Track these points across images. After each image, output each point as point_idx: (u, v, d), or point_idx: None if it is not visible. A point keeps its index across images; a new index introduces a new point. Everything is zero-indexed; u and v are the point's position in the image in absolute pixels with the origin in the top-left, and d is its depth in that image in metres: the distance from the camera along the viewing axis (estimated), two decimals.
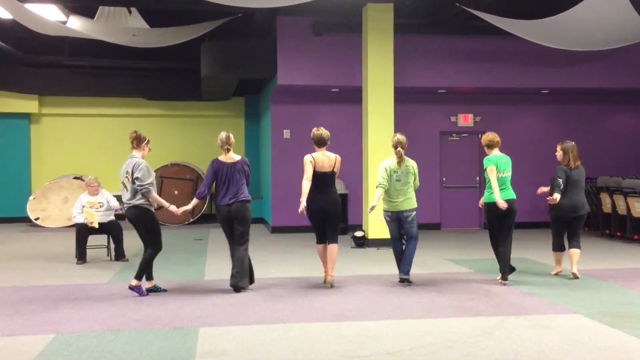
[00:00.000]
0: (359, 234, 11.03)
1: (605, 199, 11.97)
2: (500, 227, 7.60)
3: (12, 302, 6.79)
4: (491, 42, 12.57)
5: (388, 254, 9.08)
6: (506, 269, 7.58)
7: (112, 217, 9.65)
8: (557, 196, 7.80)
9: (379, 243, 10.62)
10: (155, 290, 7.21)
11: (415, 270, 8.29)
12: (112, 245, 9.66)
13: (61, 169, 15.74)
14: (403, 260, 7.58)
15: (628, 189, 11.45)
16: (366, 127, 11.21)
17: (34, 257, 9.99)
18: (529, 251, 10.09)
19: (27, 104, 15.46)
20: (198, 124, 16.29)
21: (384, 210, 7.62)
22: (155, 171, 7.25)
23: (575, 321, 5.90)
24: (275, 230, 13.11)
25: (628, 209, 11.23)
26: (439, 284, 7.69)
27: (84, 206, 9.45)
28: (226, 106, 16.24)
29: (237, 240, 7.18)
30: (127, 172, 6.99)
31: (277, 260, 9.59)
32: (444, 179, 13.89)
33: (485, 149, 7.77)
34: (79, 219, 9.41)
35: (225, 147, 7.21)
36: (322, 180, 7.37)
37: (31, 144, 15.87)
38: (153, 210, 7.13)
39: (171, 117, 16.25)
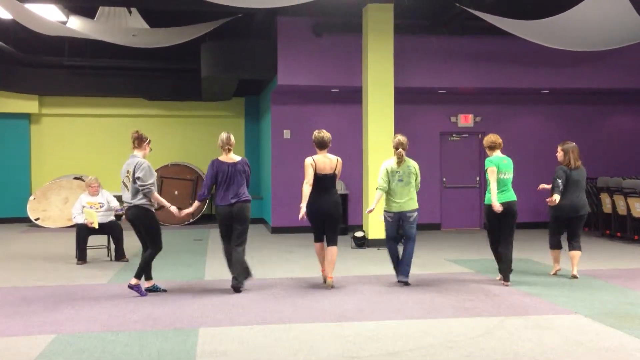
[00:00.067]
0: (359, 234, 11.03)
1: (606, 199, 11.97)
2: (501, 228, 7.60)
3: (12, 302, 6.79)
4: (491, 42, 12.57)
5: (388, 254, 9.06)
6: (508, 271, 7.58)
7: (112, 218, 9.65)
8: (556, 197, 7.81)
9: (379, 243, 10.62)
10: (154, 290, 7.21)
11: (416, 271, 8.29)
12: (112, 246, 9.65)
13: (61, 169, 15.74)
14: (402, 262, 7.58)
15: (628, 189, 11.45)
16: (366, 128, 11.21)
17: (34, 258, 9.99)
18: (530, 251, 10.09)
19: (27, 104, 15.46)
20: (198, 124, 16.29)
21: (386, 211, 7.60)
22: (155, 171, 7.23)
23: (576, 321, 5.90)
24: (275, 230, 13.11)
25: (628, 209, 11.23)
26: (439, 284, 7.69)
27: (84, 206, 9.45)
28: (226, 106, 16.24)
29: (235, 240, 7.18)
30: (128, 172, 6.99)
31: (277, 261, 9.59)
32: (444, 179, 13.89)
33: (487, 150, 7.77)
34: (79, 219, 9.41)
35: (226, 148, 7.22)
36: (322, 182, 7.37)
37: (31, 144, 15.87)
38: (154, 210, 7.14)
39: (171, 117, 16.25)
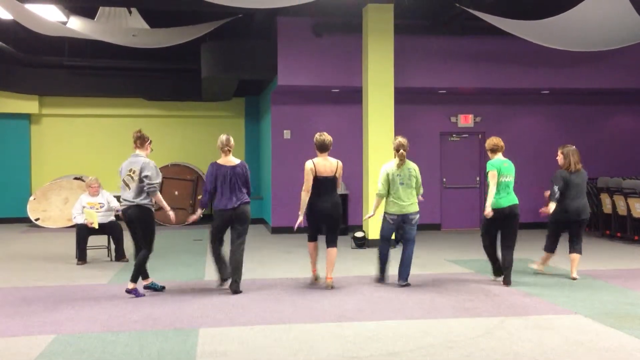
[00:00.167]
0: (359, 234, 11.03)
1: (606, 200, 11.97)
2: (503, 232, 7.60)
3: (12, 302, 6.79)
4: (491, 42, 12.57)
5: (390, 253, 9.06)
6: (509, 273, 7.58)
7: (113, 218, 9.65)
8: (551, 207, 7.84)
9: (379, 244, 10.61)
10: (152, 287, 7.22)
11: (416, 271, 8.29)
12: (113, 246, 9.66)
13: (61, 169, 15.75)
14: (402, 265, 7.59)
15: (628, 190, 11.46)
16: (366, 128, 11.21)
17: (34, 258, 9.99)
18: (530, 252, 10.08)
19: (27, 105, 15.46)
20: (198, 124, 16.29)
21: (387, 214, 7.58)
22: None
23: (576, 322, 5.90)
24: (275, 230, 13.11)
25: (628, 210, 11.23)
26: (439, 284, 7.69)
27: (84, 207, 9.46)
28: (226, 107, 16.25)
29: (235, 240, 7.19)
30: (131, 171, 6.97)
31: (277, 261, 9.59)
32: (444, 179, 13.89)
33: (489, 153, 7.77)
34: (79, 220, 9.41)
35: (226, 149, 7.22)
36: (323, 184, 7.38)
37: (31, 144, 15.88)
38: (154, 210, 7.14)
39: (171, 117, 16.25)
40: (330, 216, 7.42)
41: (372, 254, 10.24)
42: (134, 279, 7.01)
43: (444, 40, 12.47)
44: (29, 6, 10.00)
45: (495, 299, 6.85)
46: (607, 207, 11.99)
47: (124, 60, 14.57)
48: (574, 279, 7.91)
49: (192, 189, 14.74)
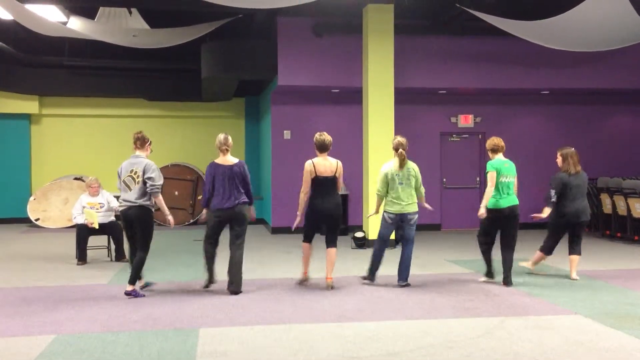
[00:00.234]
0: (359, 234, 11.04)
1: (606, 200, 11.97)
2: (503, 233, 7.61)
3: (13, 302, 6.79)
4: (491, 42, 12.57)
5: (388, 254, 9.06)
6: (509, 273, 7.58)
7: (113, 218, 9.64)
8: (545, 211, 7.86)
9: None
10: (147, 286, 7.26)
11: (416, 271, 8.30)
12: (113, 246, 9.66)
13: (61, 169, 15.75)
14: (401, 266, 7.59)
15: (628, 190, 11.46)
16: (366, 128, 11.21)
17: (34, 258, 9.99)
18: (529, 252, 10.05)
19: (27, 105, 15.46)
20: (198, 124, 16.29)
21: (387, 212, 7.58)
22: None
23: (576, 322, 5.90)
24: (275, 231, 13.11)
25: (628, 210, 11.23)
26: (439, 284, 7.69)
27: (84, 207, 9.46)
28: (226, 107, 16.24)
29: (234, 240, 7.18)
30: (133, 172, 6.97)
31: (277, 261, 9.59)
32: (445, 179, 13.89)
33: (490, 153, 7.77)
34: (79, 220, 9.41)
35: (224, 148, 7.22)
36: (323, 184, 7.39)
37: (31, 144, 15.87)
38: (154, 211, 7.15)
39: (171, 117, 16.25)
40: (330, 216, 7.42)
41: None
42: (132, 281, 7.02)
43: (444, 40, 12.47)
44: (29, 6, 10.00)
45: (495, 299, 6.85)
46: (607, 208, 11.99)
47: (124, 61, 14.58)
48: (574, 279, 7.91)
49: (192, 189, 14.74)
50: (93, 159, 15.78)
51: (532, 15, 10.44)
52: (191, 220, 14.67)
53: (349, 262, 9.35)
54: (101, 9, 11.83)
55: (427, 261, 9.44)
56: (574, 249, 8.01)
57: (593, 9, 9.33)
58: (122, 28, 12.09)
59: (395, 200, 7.48)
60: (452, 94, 13.57)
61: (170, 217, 7.14)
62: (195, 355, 4.92)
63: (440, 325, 5.80)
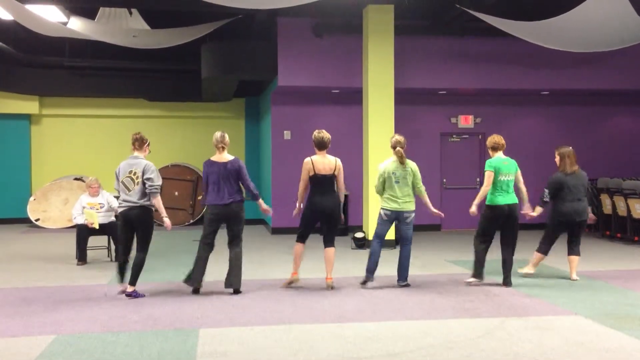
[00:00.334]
0: (359, 235, 11.04)
1: (606, 200, 11.97)
2: (503, 232, 7.61)
3: (13, 303, 6.79)
4: (491, 43, 12.57)
5: (388, 255, 9.08)
6: (509, 274, 7.58)
7: (113, 218, 9.64)
8: (537, 210, 7.86)
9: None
10: (124, 293, 7.13)
11: (416, 272, 8.30)
12: (113, 247, 9.66)
13: (61, 170, 15.75)
14: (400, 266, 7.59)
15: (628, 190, 11.46)
16: (366, 129, 11.21)
17: (34, 258, 9.99)
18: (529, 253, 10.05)
19: (27, 105, 15.47)
20: (198, 125, 16.29)
21: (383, 209, 7.58)
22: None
23: (576, 322, 5.90)
24: (275, 231, 13.11)
25: (628, 210, 11.23)
26: (439, 285, 7.69)
27: (84, 207, 9.46)
28: (227, 107, 16.25)
29: (232, 241, 7.21)
30: (132, 172, 6.97)
31: (277, 262, 9.59)
32: (445, 180, 13.89)
33: (490, 151, 7.78)
34: (80, 220, 9.42)
35: (220, 146, 7.26)
36: (322, 182, 7.38)
37: (31, 145, 15.88)
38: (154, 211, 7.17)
39: (171, 118, 16.25)
40: (330, 215, 7.41)
41: None
42: (132, 282, 7.01)
43: (444, 41, 12.47)
44: (29, 6, 10.00)
45: (495, 299, 6.85)
46: (607, 208, 11.98)
47: (124, 61, 14.57)
48: (574, 280, 7.91)
49: (192, 189, 14.74)
50: (93, 159, 15.78)
51: (532, 16, 10.44)
52: (191, 221, 14.67)
53: (349, 263, 9.35)
54: (101, 9, 11.83)
55: (427, 261, 9.44)
56: (573, 249, 8.01)
57: (593, 10, 9.33)
58: (123, 28, 12.09)
59: (391, 198, 7.48)
60: (452, 95, 13.57)
61: (167, 220, 7.06)
62: (196, 355, 4.93)
63: (440, 325, 5.80)
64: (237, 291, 7.17)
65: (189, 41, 12.37)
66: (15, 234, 13.47)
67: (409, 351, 5.02)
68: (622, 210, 11.45)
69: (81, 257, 9.38)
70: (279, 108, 13.21)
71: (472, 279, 7.69)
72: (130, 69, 14.95)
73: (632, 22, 9.57)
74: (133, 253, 7.70)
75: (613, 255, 10.09)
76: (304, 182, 7.42)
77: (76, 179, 14.67)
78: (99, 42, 12.12)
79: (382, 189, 7.54)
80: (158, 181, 6.99)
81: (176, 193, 14.58)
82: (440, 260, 9.64)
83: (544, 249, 8.11)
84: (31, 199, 14.46)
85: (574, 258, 7.99)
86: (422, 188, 7.62)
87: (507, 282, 7.55)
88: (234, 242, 7.21)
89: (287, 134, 13.23)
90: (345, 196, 12.37)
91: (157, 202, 7.01)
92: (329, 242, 7.49)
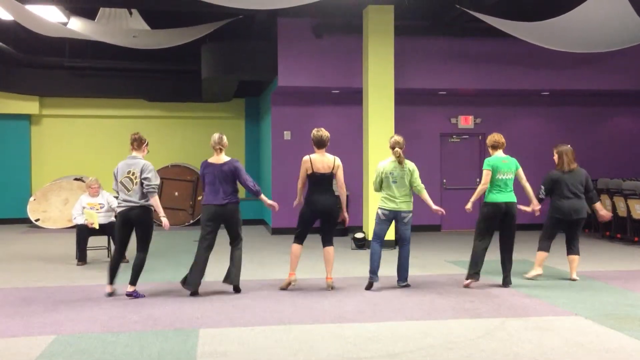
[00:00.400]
0: (359, 235, 11.04)
1: (606, 201, 11.97)
2: (501, 231, 7.60)
3: (13, 303, 6.79)
4: (491, 43, 12.58)
5: (388, 255, 9.08)
6: (509, 274, 7.57)
7: (113, 219, 9.63)
8: (532, 206, 7.85)
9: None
10: (112, 295, 7.12)
11: (416, 272, 8.30)
12: (113, 247, 9.64)
13: (61, 170, 15.75)
14: (400, 267, 7.59)
15: (628, 191, 11.46)
16: (366, 129, 11.22)
17: (34, 258, 9.99)
18: (529, 253, 10.07)
19: (27, 105, 15.47)
20: (198, 125, 16.30)
21: (381, 209, 7.57)
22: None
23: (576, 323, 5.90)
24: (276, 231, 13.12)
25: (628, 211, 11.23)
26: (439, 285, 7.69)
27: (84, 207, 9.46)
28: (227, 108, 16.25)
29: (232, 241, 7.26)
30: (130, 172, 6.98)
31: (277, 262, 9.59)
32: (444, 180, 13.89)
33: (490, 149, 7.78)
34: (79, 220, 9.42)
35: (217, 148, 7.29)
36: (320, 181, 7.38)
37: (31, 145, 15.88)
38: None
39: (172, 118, 16.26)
40: (329, 214, 7.40)
41: None
42: (133, 282, 7.02)
43: (444, 41, 12.48)
44: (29, 7, 10.00)
45: (495, 300, 6.85)
46: (607, 209, 11.96)
47: (124, 61, 14.59)
48: (574, 280, 7.91)
49: (192, 189, 14.74)
50: (93, 159, 15.79)
51: (532, 17, 10.45)
52: (191, 221, 14.67)
53: (349, 263, 9.35)
54: (101, 9, 11.84)
55: (427, 262, 9.44)
56: (572, 249, 8.00)
57: (593, 10, 9.34)
58: (123, 29, 12.10)
59: (389, 198, 7.49)
60: (452, 95, 13.57)
61: (164, 219, 7.05)
62: (196, 355, 4.92)
63: (440, 326, 5.80)
64: (236, 288, 7.21)
65: (189, 41, 12.38)
66: (15, 234, 13.47)
67: (409, 351, 5.02)
68: (622, 211, 11.45)
69: (81, 257, 9.38)
70: (279, 108, 13.21)
71: (468, 281, 7.65)
72: (130, 69, 14.96)
73: (632, 22, 9.57)
74: (128, 254, 7.73)
75: (613, 256, 10.09)
76: (302, 179, 7.45)
77: (76, 179, 14.68)
78: (99, 42, 12.13)
79: (379, 189, 7.55)
80: (156, 181, 6.99)
81: (176, 193, 14.58)
82: (440, 261, 9.64)
83: (545, 246, 8.09)
84: (31, 199, 14.46)
85: (574, 257, 7.98)
86: (421, 186, 7.62)
87: (506, 282, 7.55)
88: (235, 242, 7.27)
89: (287, 134, 13.24)
90: (347, 196, 12.39)
91: (155, 201, 7.01)
92: (327, 242, 7.49)
